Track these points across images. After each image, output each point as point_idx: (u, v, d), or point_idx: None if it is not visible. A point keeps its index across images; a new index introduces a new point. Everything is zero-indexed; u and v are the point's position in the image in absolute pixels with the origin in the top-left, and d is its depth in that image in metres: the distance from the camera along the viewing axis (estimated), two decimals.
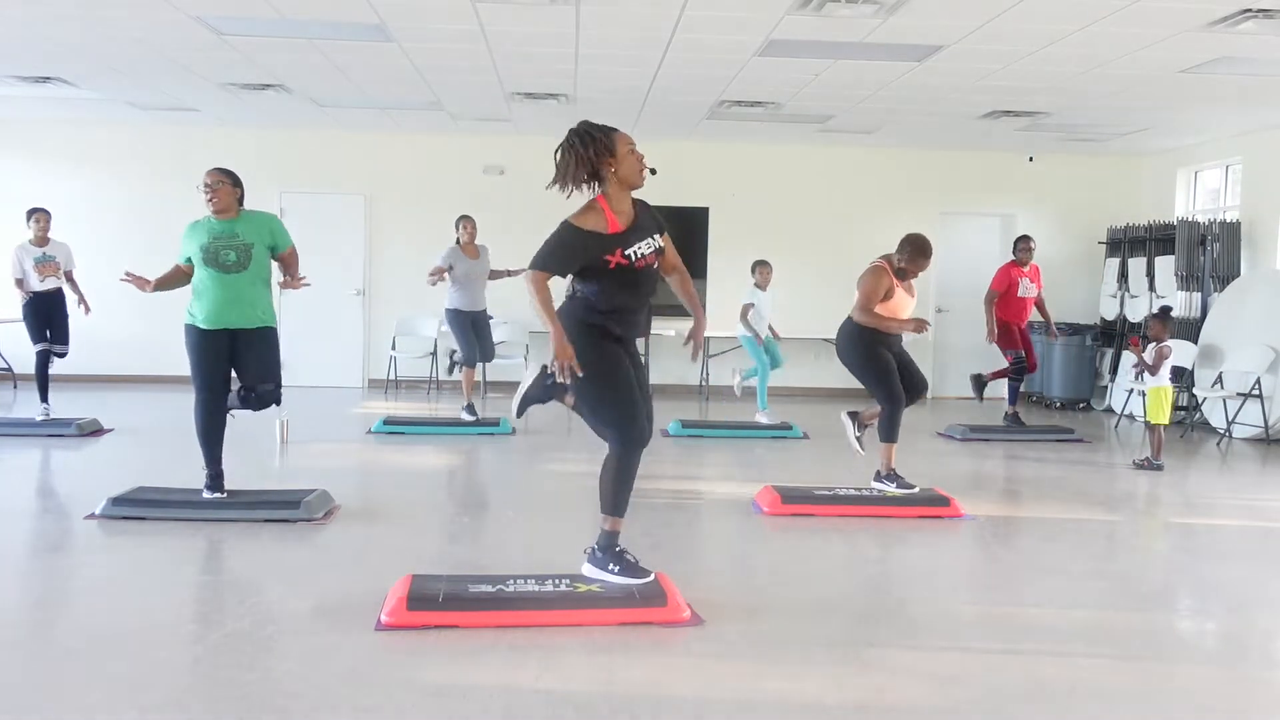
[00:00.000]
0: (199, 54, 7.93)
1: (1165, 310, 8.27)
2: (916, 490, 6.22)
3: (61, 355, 8.53)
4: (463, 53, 7.72)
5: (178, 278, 5.62)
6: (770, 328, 9.42)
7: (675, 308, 10.23)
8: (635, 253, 4.06)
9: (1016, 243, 9.40)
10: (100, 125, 11.40)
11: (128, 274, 5.54)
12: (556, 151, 4.06)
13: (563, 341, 3.95)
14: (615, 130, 4.09)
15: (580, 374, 3.97)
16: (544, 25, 6.86)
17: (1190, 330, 10.19)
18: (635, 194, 4.18)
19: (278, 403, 5.80)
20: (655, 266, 4.19)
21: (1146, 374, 7.81)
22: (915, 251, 6.18)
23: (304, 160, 11.66)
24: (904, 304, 6.23)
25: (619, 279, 4.05)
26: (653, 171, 4.11)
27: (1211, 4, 6.00)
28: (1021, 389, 9.61)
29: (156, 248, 11.31)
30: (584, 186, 4.07)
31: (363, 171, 11.75)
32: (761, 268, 9.37)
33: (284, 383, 5.86)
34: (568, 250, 4.01)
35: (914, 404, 6.41)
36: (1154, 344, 7.86)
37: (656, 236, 4.19)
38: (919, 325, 6.18)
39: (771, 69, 8.00)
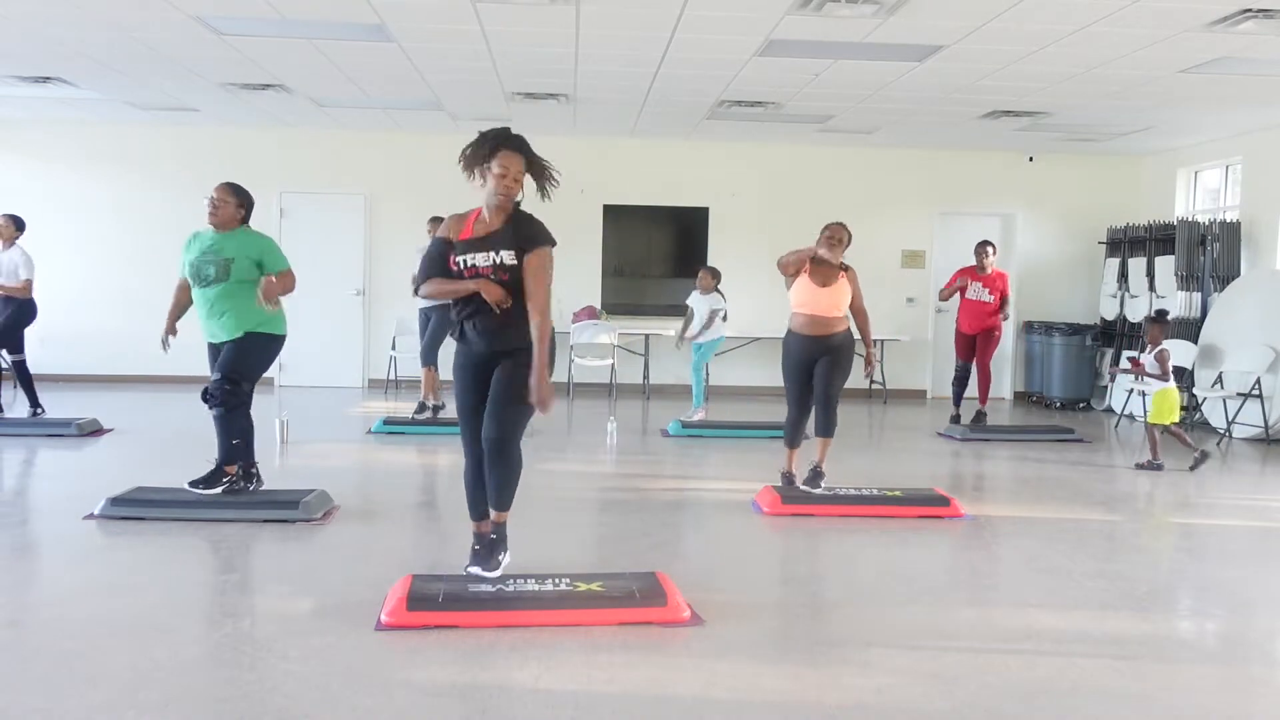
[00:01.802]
0: (199, 54, 7.93)
1: (1162, 314, 8.29)
2: (818, 493, 6.15)
3: (16, 361, 8.49)
4: (463, 53, 7.72)
5: (185, 298, 5.68)
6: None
7: (672, 308, 10.28)
8: (464, 261, 4.11)
9: (975, 247, 9.35)
10: (100, 125, 11.40)
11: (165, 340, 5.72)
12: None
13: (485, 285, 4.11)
14: (502, 148, 4.07)
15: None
16: (544, 25, 6.86)
17: (1190, 330, 10.19)
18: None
19: (210, 400, 5.54)
20: (493, 280, 4.07)
21: (1157, 378, 7.86)
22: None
23: (304, 160, 11.65)
24: (807, 292, 6.17)
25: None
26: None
27: (1211, 4, 6.00)
28: (965, 395, 9.50)
29: (155, 247, 11.38)
30: (476, 176, 4.12)
31: (363, 171, 11.75)
32: (702, 273, 9.32)
33: (239, 380, 5.55)
34: (429, 259, 4.20)
35: (815, 423, 6.30)
36: (1152, 348, 7.89)
37: (504, 253, 4.08)
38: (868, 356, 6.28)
39: (771, 69, 8.00)
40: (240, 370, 5.54)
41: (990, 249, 9.30)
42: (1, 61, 8.43)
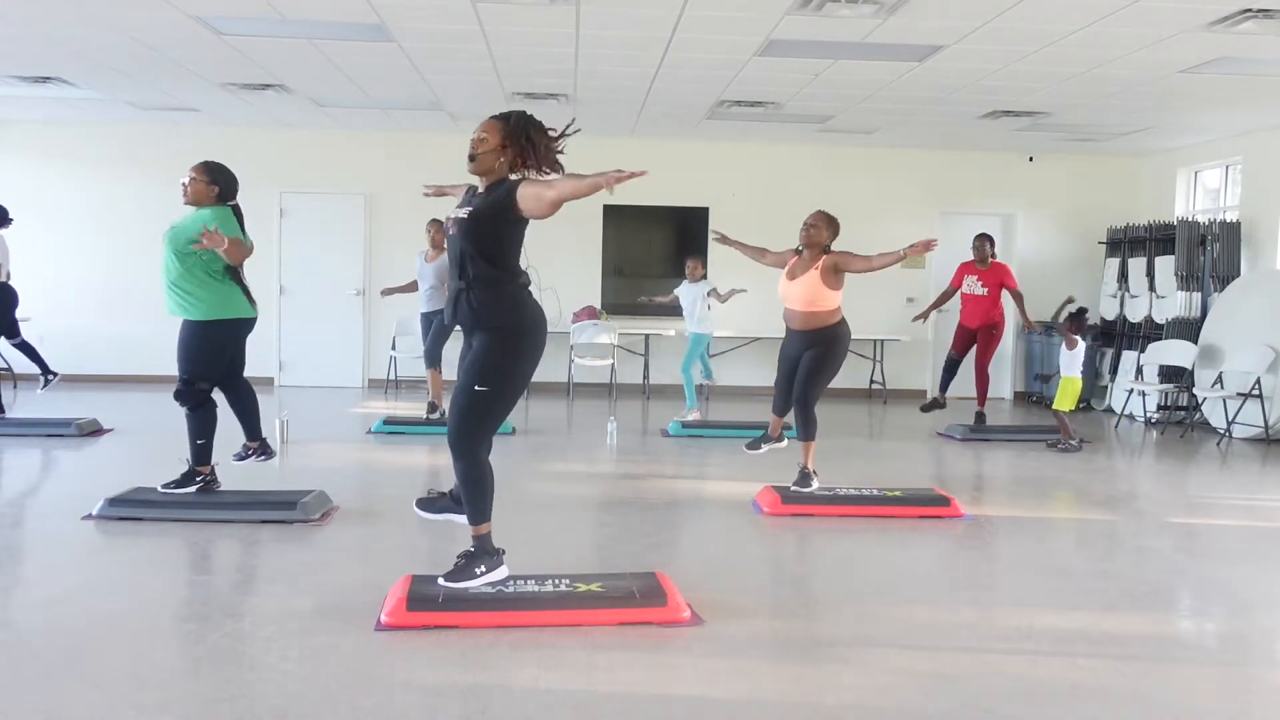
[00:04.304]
0: (199, 54, 7.93)
1: (1079, 311, 8.76)
2: (803, 490, 6.19)
3: (17, 343, 8.53)
4: (463, 53, 7.72)
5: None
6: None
7: (672, 307, 10.24)
8: (446, 216, 4.15)
9: (973, 240, 9.35)
10: (100, 125, 11.39)
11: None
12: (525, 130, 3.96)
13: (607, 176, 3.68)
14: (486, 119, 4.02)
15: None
16: (544, 25, 6.86)
17: (1190, 330, 10.19)
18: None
19: (177, 398, 5.47)
20: (455, 235, 3.95)
21: (1062, 364, 8.52)
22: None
23: (304, 160, 11.65)
24: (781, 286, 6.24)
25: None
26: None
27: (1211, 4, 6.00)
28: (950, 384, 9.50)
29: (156, 247, 11.33)
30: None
31: (363, 171, 11.75)
32: (693, 262, 9.23)
33: (190, 378, 5.43)
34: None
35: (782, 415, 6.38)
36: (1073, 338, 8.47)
37: (470, 206, 3.98)
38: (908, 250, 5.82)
39: (771, 69, 7.99)
40: (185, 365, 5.40)
41: (988, 242, 9.28)
42: (1, 61, 8.43)
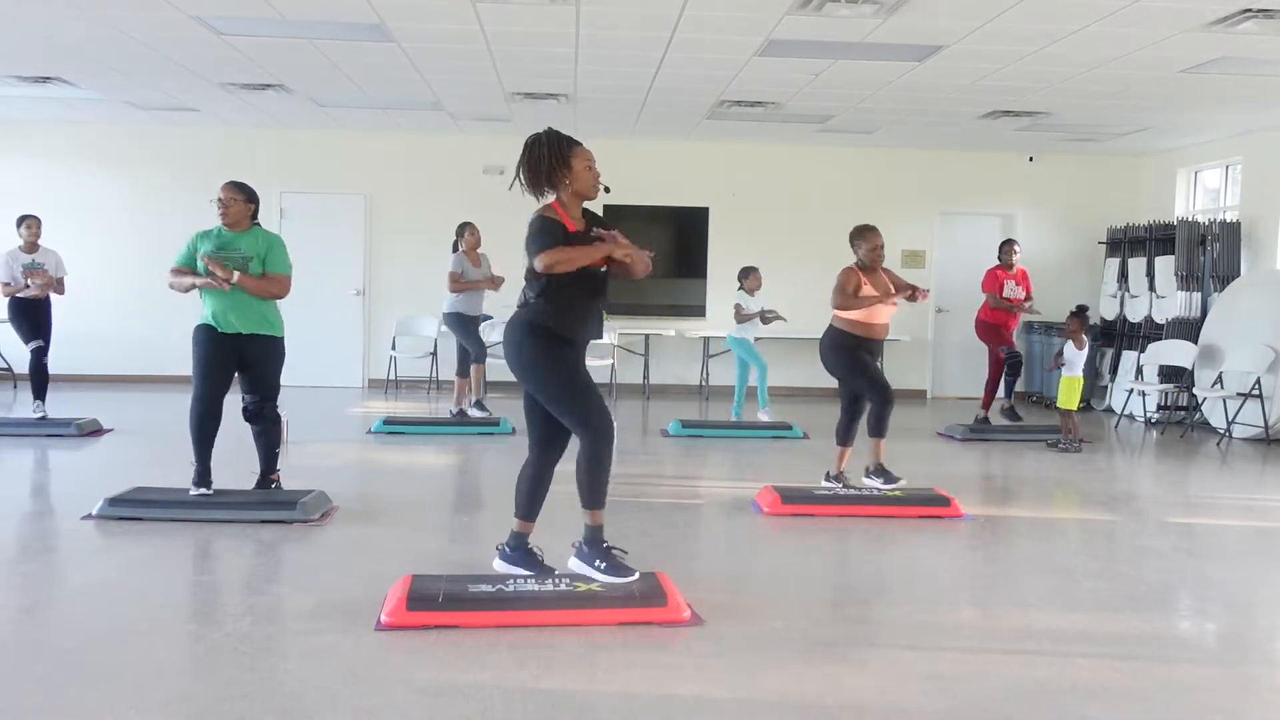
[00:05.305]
0: (199, 54, 7.93)
1: (1080, 309, 8.79)
2: (902, 482, 6.32)
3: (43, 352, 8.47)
4: (463, 53, 7.72)
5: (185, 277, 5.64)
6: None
7: (672, 308, 10.33)
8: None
9: (1001, 246, 9.65)
10: (100, 125, 11.40)
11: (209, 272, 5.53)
12: (520, 162, 4.22)
13: (623, 243, 4.14)
14: (575, 144, 4.25)
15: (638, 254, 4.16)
16: (544, 25, 6.86)
17: (1190, 330, 10.19)
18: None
19: (260, 419, 5.74)
20: (604, 271, 4.24)
21: (1068, 362, 8.55)
22: (856, 234, 6.38)
23: (304, 160, 11.65)
24: (880, 306, 6.34)
25: (575, 278, 4.12)
26: (606, 189, 4.35)
27: (1211, 4, 6.00)
28: (1017, 386, 9.70)
29: (156, 247, 11.35)
30: (541, 193, 4.26)
31: (363, 171, 11.75)
32: (752, 274, 9.23)
33: (278, 395, 5.84)
34: (551, 233, 4.12)
35: (870, 423, 6.48)
36: (1073, 340, 8.49)
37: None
38: (915, 293, 6.43)
39: (771, 69, 7.99)
40: (276, 385, 5.80)
41: (1016, 246, 9.64)
42: (1, 61, 8.43)
